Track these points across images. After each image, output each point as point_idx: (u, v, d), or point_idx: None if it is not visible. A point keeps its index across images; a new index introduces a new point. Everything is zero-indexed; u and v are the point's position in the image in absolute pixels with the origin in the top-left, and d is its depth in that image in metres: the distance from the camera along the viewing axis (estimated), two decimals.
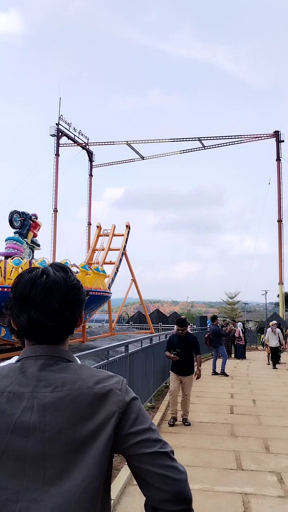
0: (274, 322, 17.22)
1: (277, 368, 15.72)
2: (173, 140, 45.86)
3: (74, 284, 1.20)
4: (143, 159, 47.50)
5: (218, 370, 13.44)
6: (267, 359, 17.17)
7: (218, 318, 15.79)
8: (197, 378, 7.54)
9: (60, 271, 1.20)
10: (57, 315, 1.14)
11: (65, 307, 1.15)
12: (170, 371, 7.59)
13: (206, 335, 14.75)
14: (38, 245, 16.15)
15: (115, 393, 1.12)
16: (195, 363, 7.61)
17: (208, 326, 22.15)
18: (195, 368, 7.57)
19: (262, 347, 31.29)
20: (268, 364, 16.69)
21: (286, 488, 4.62)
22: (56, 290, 1.15)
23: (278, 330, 16.40)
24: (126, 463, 1.19)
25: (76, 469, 1.04)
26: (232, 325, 20.64)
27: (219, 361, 13.74)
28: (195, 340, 7.47)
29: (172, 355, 7.25)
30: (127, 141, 45.59)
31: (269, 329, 16.71)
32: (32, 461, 1.04)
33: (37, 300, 1.13)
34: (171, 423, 7.07)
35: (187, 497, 1.09)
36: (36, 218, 15.70)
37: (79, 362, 1.22)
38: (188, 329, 12.22)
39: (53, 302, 1.14)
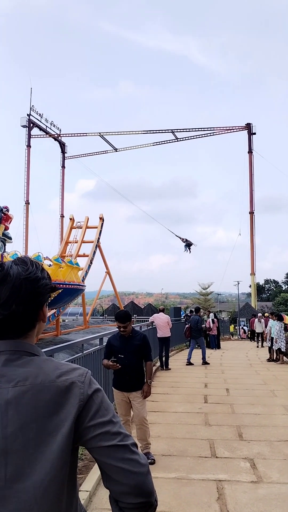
0: (260, 314, 22.47)
1: (263, 347, 20.18)
2: (146, 132, 45.74)
3: (29, 277, 1.17)
4: (116, 151, 47.24)
5: (193, 360, 13.56)
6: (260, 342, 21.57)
7: (189, 309, 16.09)
8: (145, 397, 5.14)
9: (19, 264, 1.19)
10: (4, 308, 1.13)
11: (13, 300, 1.14)
12: (112, 388, 5.31)
13: (187, 326, 14.96)
14: (10, 238, 15.88)
15: (77, 385, 1.12)
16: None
17: (182, 317, 22.43)
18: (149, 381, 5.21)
19: (233, 336, 32.78)
20: (261, 346, 20.58)
21: (259, 473, 4.74)
22: (7, 282, 1.14)
23: (263, 320, 20.87)
24: None
25: (39, 463, 1.04)
26: (206, 316, 20.95)
27: (196, 352, 13.90)
28: (144, 340, 5.16)
29: (111, 363, 4.92)
30: (100, 133, 45.21)
31: (256, 319, 21.71)
32: None
33: None
34: None
35: (147, 490, 1.08)
36: (8, 210, 15.40)
37: (44, 356, 1.21)
38: (161, 319, 12.44)
39: (2, 294, 1.13)
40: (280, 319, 14.42)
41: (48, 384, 1.10)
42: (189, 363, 13.56)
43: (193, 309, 18.11)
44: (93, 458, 1.14)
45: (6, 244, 15.47)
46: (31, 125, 42.89)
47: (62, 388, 1.10)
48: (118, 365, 4.91)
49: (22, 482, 1.03)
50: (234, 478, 4.60)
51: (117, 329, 5.20)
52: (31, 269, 1.19)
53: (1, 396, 1.08)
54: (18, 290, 1.15)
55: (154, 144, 45.78)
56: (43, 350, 4.19)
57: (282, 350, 13.99)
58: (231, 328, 40.18)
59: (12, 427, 1.05)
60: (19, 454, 1.04)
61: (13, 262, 1.21)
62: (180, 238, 36.08)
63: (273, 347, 14.34)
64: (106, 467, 1.09)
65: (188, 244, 35.73)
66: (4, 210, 15.29)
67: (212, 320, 19.99)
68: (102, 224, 22.75)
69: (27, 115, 42.41)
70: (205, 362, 13.63)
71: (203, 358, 13.72)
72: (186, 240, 35.80)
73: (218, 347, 19.93)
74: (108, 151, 47.40)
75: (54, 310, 15.72)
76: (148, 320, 13.95)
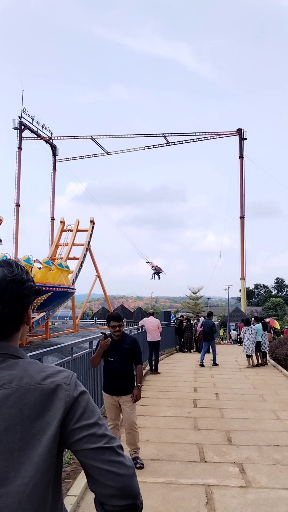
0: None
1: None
2: (138, 135, 45.86)
3: (15, 278, 1.18)
4: (108, 154, 47.27)
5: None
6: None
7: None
8: (135, 401, 5.11)
9: (4, 266, 1.20)
10: None
11: None
12: (102, 391, 5.29)
13: (200, 329, 15.49)
14: (0, 240, 15.81)
15: (63, 388, 1.12)
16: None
17: (172, 321, 22.46)
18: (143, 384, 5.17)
19: (222, 341, 32.82)
20: None
21: (248, 478, 4.73)
22: None
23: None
24: None
25: (24, 467, 1.03)
26: (196, 320, 21.03)
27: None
28: (134, 343, 5.17)
29: (102, 342, 4.84)
30: (91, 136, 45.23)
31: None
32: None
33: None
34: None
35: (133, 492, 1.08)
36: None
37: (29, 358, 1.21)
38: (151, 323, 12.45)
39: None
40: (247, 324, 14.99)
41: (34, 386, 1.09)
42: (202, 365, 14.22)
43: (182, 314, 18.19)
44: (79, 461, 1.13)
45: None
46: (23, 127, 42.73)
47: (48, 391, 1.10)
48: (109, 339, 4.87)
49: (7, 486, 1.01)
50: (223, 483, 4.59)
51: (108, 332, 5.14)
52: (16, 271, 1.19)
53: None
54: (4, 292, 1.15)
55: (145, 148, 45.92)
56: (33, 353, 4.16)
57: (247, 353, 14.56)
58: (221, 332, 40.28)
59: None
60: (3, 457, 1.03)
61: None
62: (150, 263, 35.35)
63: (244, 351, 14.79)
64: (91, 470, 1.09)
65: (157, 272, 34.98)
66: None
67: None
68: (93, 227, 22.72)
69: (19, 117, 42.25)
70: (215, 364, 14.47)
71: (214, 359, 14.60)
72: (156, 267, 35.07)
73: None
74: (100, 155, 47.44)
75: (44, 313, 15.64)
76: (138, 324, 13.92)
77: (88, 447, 1.09)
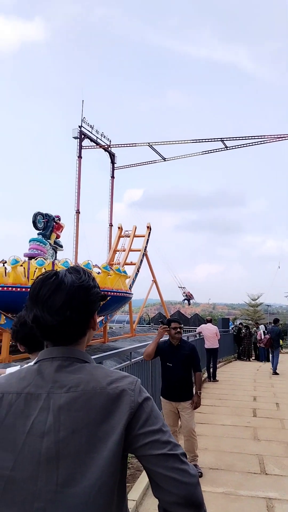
0: None
1: None
2: (195, 141, 45.67)
3: (83, 285, 1.20)
4: (165, 160, 47.44)
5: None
6: None
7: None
8: (195, 407, 5.10)
9: (72, 273, 1.22)
10: (59, 314, 1.15)
11: (68, 307, 1.16)
12: (160, 397, 5.28)
13: (268, 336, 15.62)
14: (61, 246, 16.32)
15: (128, 393, 1.13)
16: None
17: (231, 328, 22.05)
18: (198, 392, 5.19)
19: (282, 349, 31.90)
20: None
21: None
22: (62, 289, 1.17)
23: None
24: None
25: (90, 469, 1.05)
26: (256, 328, 20.51)
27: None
28: (193, 350, 5.18)
29: (161, 328, 4.97)
30: (148, 143, 45.58)
31: None
32: (46, 462, 1.05)
33: (43, 299, 1.16)
34: None
35: (197, 501, 1.07)
36: (59, 219, 15.87)
37: (94, 363, 1.23)
38: (210, 330, 12.25)
39: (56, 301, 1.16)
40: None
41: (99, 391, 1.11)
42: (276, 373, 14.30)
43: (241, 322, 17.91)
44: (141, 466, 1.14)
45: (57, 251, 15.91)
46: (82, 136, 43.91)
47: (113, 395, 1.11)
48: (166, 326, 4.96)
49: (73, 487, 1.04)
50: (285, 497, 4.42)
51: (167, 337, 5.17)
52: (83, 278, 1.22)
53: (54, 402, 1.10)
54: (72, 298, 1.17)
55: (203, 153, 45.61)
56: (93, 357, 4.24)
57: None
58: (281, 341, 39.02)
59: (64, 432, 1.07)
60: (70, 459, 1.05)
61: (66, 271, 1.24)
62: (183, 289, 35.75)
63: None
64: (155, 476, 1.09)
65: (188, 299, 35.82)
66: (56, 219, 15.75)
67: (264, 331, 19.51)
68: (149, 233, 22.89)
69: (79, 126, 43.45)
70: (275, 372, 14.26)
71: (274, 368, 14.44)
72: (188, 294, 35.60)
73: (269, 359, 19.38)
74: (157, 161, 47.67)
75: (102, 317, 15.93)
76: (194, 330, 13.81)
77: (152, 453, 1.09)
